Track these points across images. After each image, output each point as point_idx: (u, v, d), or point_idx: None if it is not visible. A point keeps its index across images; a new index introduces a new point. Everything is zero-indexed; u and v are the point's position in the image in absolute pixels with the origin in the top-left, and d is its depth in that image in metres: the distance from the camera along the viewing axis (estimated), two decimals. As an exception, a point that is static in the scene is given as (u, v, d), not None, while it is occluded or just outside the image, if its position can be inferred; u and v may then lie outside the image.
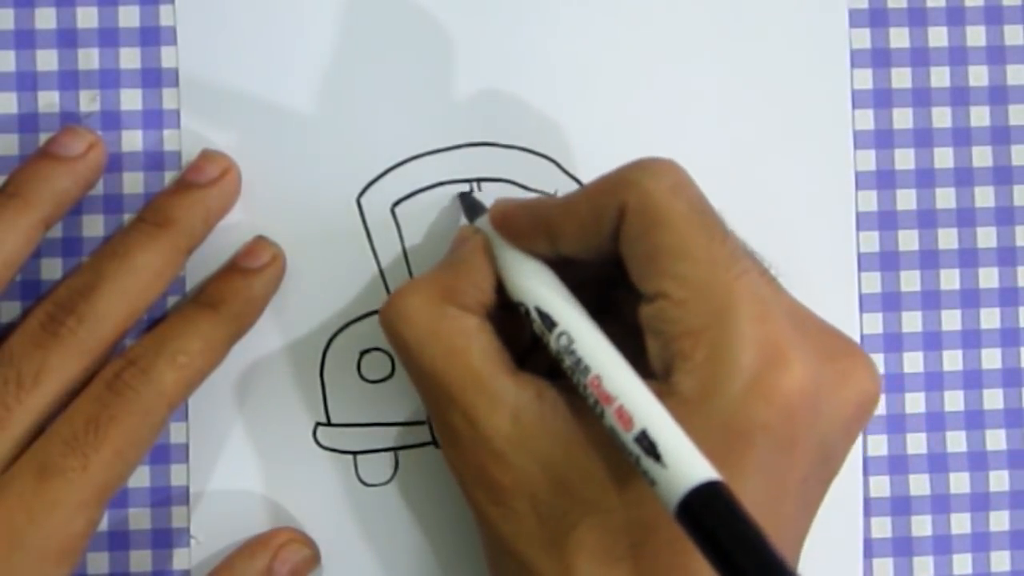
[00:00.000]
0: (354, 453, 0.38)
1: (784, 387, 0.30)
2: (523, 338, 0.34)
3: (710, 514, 0.27)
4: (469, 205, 0.37)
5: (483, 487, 0.32)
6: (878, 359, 0.39)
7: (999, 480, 0.39)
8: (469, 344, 0.32)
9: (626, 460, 0.30)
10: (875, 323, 0.39)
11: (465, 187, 0.38)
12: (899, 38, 0.39)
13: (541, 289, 0.33)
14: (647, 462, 0.29)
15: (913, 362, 0.39)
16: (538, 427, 0.31)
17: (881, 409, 0.39)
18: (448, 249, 0.36)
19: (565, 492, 0.31)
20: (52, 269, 0.37)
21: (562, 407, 0.32)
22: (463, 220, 0.38)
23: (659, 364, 0.31)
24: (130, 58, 0.38)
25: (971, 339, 0.39)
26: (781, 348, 0.30)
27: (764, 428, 0.29)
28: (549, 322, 0.32)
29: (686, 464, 0.28)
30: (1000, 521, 0.39)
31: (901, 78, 0.39)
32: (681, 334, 0.30)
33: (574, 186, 0.38)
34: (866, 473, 0.39)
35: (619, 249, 0.32)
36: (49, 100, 0.37)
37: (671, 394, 0.30)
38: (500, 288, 0.34)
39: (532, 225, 0.33)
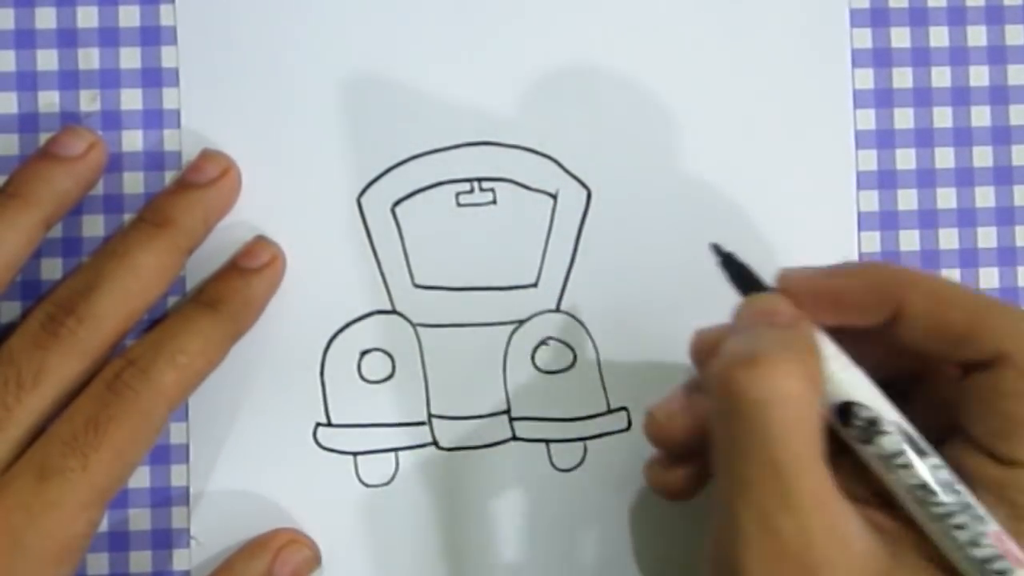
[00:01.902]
0: (354, 453, 0.38)
1: None
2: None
3: None
4: (736, 271, 0.32)
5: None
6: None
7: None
8: (821, 451, 0.28)
9: None
10: (876, 323, 0.39)
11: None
12: (900, 38, 0.39)
13: (880, 401, 0.29)
14: None
15: (914, 362, 0.39)
16: (870, 563, 0.28)
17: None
18: (747, 315, 0.31)
19: None
20: (52, 269, 0.37)
21: (886, 542, 0.28)
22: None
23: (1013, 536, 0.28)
24: (130, 58, 0.38)
25: (972, 339, 0.39)
26: None
27: None
28: (904, 454, 0.28)
29: None
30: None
31: (902, 78, 0.39)
32: None
33: (575, 185, 0.38)
34: (867, 473, 0.39)
35: (972, 389, 0.29)
36: (49, 100, 0.37)
37: None
38: None
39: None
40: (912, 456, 0.28)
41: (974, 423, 0.29)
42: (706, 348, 0.32)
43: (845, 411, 0.29)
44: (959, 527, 0.27)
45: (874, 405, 0.29)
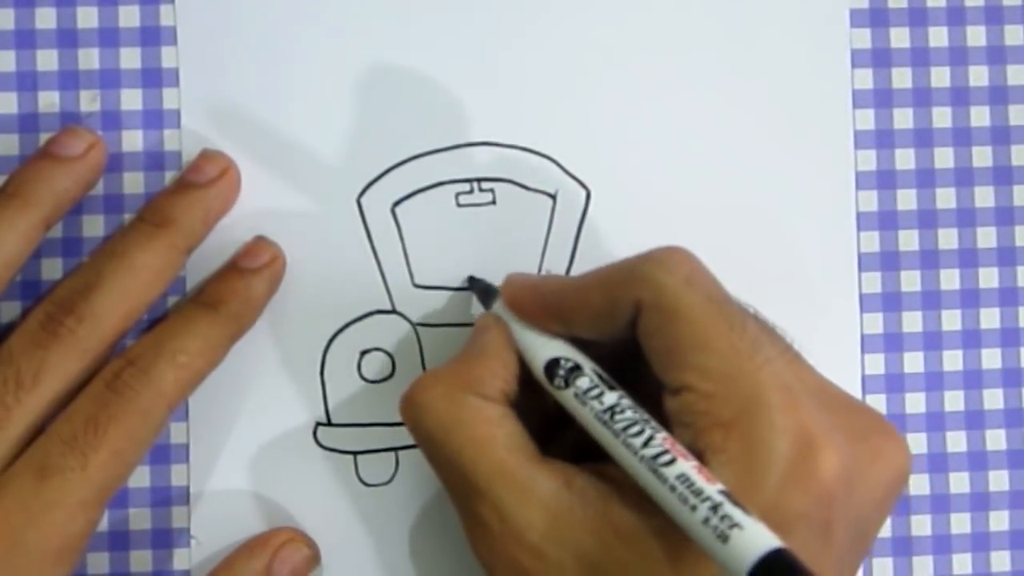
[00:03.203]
0: (354, 453, 0.38)
1: (820, 475, 0.30)
2: (542, 425, 0.34)
3: None
4: (482, 290, 0.37)
5: None
6: (878, 360, 0.39)
7: (999, 480, 0.39)
8: (494, 433, 0.32)
9: (660, 545, 0.30)
10: (875, 323, 0.39)
11: (474, 270, 0.38)
12: (900, 38, 0.39)
13: (581, 357, 0.33)
14: (721, 524, 0.28)
15: (913, 362, 0.39)
16: (569, 517, 0.31)
17: (881, 409, 0.39)
18: (468, 338, 0.35)
19: None
20: (52, 269, 0.37)
21: (592, 495, 0.31)
22: (475, 304, 0.38)
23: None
24: (130, 58, 0.38)
25: (971, 339, 0.39)
26: (813, 435, 0.30)
27: (802, 517, 0.29)
28: (598, 387, 0.32)
29: (760, 529, 0.28)
30: (1000, 521, 0.39)
31: (902, 78, 0.39)
32: (711, 426, 0.30)
33: (575, 185, 0.38)
34: (866, 473, 0.39)
35: (637, 340, 0.32)
36: (49, 100, 0.37)
37: None
38: (520, 377, 0.34)
39: (543, 308, 0.33)
40: (603, 387, 0.32)
41: (653, 370, 0.32)
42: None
43: (551, 367, 0.33)
44: (637, 434, 0.30)
45: (572, 356, 0.33)
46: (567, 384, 0.32)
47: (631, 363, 0.33)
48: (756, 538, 0.28)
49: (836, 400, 0.32)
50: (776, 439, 0.30)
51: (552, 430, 0.34)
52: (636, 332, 0.32)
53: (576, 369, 0.32)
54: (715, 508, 0.28)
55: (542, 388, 0.33)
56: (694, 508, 0.29)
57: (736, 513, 0.28)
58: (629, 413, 0.31)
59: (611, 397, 0.31)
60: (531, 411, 0.33)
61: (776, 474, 0.29)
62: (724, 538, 0.28)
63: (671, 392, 0.31)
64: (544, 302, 0.34)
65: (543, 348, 0.33)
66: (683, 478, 0.29)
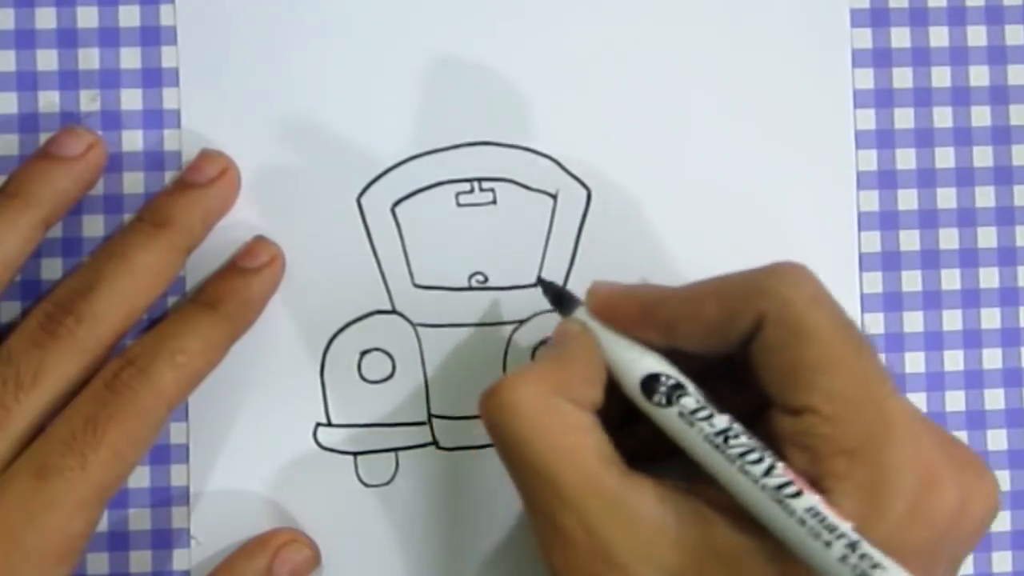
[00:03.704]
0: (354, 453, 0.38)
1: (941, 510, 0.30)
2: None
3: None
4: (555, 294, 0.35)
5: None
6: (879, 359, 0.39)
7: (1000, 480, 0.39)
8: (585, 442, 0.31)
9: (768, 568, 0.29)
10: (876, 323, 0.39)
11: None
12: (900, 38, 0.39)
13: (680, 374, 0.32)
14: (861, 563, 0.28)
15: (914, 362, 0.39)
16: (663, 537, 0.30)
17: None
18: (550, 343, 0.34)
19: None
20: (52, 269, 0.37)
21: (687, 514, 0.30)
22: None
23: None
24: (130, 58, 0.38)
25: (972, 339, 0.39)
26: (937, 469, 0.30)
27: (918, 552, 0.29)
28: (706, 408, 0.31)
29: (900, 573, 0.28)
30: (1000, 521, 0.39)
31: (902, 78, 0.39)
32: (834, 453, 0.29)
33: (575, 185, 0.38)
34: (867, 473, 0.39)
35: (752, 357, 0.31)
36: (49, 100, 0.38)
37: None
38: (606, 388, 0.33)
39: (643, 315, 0.32)
40: (712, 409, 0.31)
41: (767, 386, 0.31)
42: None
43: (649, 382, 0.31)
44: (756, 462, 0.29)
45: (673, 374, 0.32)
46: (669, 402, 0.31)
47: (711, 381, 0.32)
48: None
49: (941, 435, 0.32)
50: (904, 471, 0.29)
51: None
52: (753, 348, 0.31)
53: (679, 387, 0.31)
54: (853, 546, 0.28)
55: (607, 399, 0.32)
56: (828, 544, 0.28)
57: (876, 554, 0.28)
58: (744, 439, 0.30)
59: (722, 420, 0.30)
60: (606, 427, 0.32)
61: (901, 506, 0.29)
62: None
63: (789, 412, 0.30)
64: (646, 310, 0.32)
65: (639, 361, 0.32)
66: (813, 512, 0.28)
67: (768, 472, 0.29)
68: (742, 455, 0.30)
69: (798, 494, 0.29)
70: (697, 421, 0.30)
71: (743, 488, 0.30)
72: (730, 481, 0.30)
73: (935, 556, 0.30)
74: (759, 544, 0.30)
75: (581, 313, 0.34)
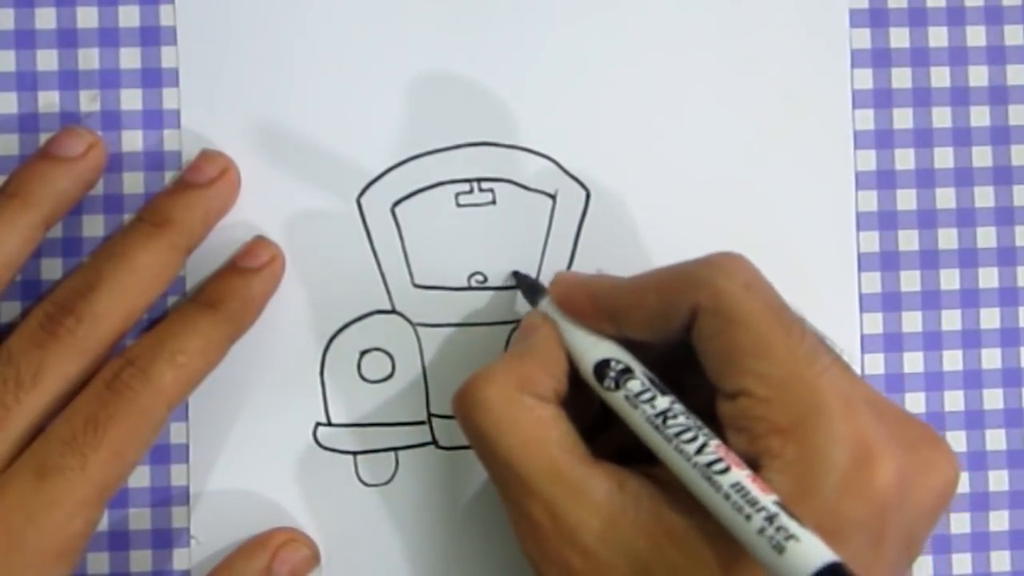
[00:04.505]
0: (354, 453, 0.38)
1: (877, 484, 0.30)
2: (585, 425, 0.34)
3: None
4: (528, 287, 0.37)
5: None
6: (878, 360, 0.39)
7: (999, 480, 0.39)
8: (548, 434, 0.32)
9: (711, 549, 0.30)
10: (875, 323, 0.39)
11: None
12: (899, 38, 0.39)
13: (631, 359, 0.33)
14: (777, 535, 0.28)
15: (913, 362, 0.39)
16: (622, 519, 0.31)
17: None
18: (517, 335, 0.36)
19: None
20: (52, 269, 0.37)
21: (644, 497, 0.31)
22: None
23: (743, 459, 0.31)
24: (130, 58, 0.38)
25: (971, 339, 0.39)
26: (871, 444, 0.30)
27: (857, 525, 0.30)
28: (649, 391, 0.32)
29: (816, 542, 0.28)
30: (1000, 521, 0.39)
31: (901, 78, 0.39)
32: (768, 432, 0.30)
33: (575, 185, 0.38)
34: (866, 473, 0.39)
35: (693, 344, 0.32)
36: (49, 100, 0.38)
37: None
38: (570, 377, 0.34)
39: (595, 307, 0.34)
40: (655, 391, 0.32)
41: (707, 372, 0.32)
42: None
43: (601, 368, 0.33)
44: (690, 440, 0.30)
45: (623, 359, 0.33)
46: (617, 386, 0.32)
47: (677, 368, 0.33)
48: (812, 550, 0.28)
49: (887, 410, 0.32)
50: (834, 446, 0.30)
51: (595, 430, 0.34)
52: (692, 336, 0.32)
53: (627, 372, 0.32)
54: (771, 519, 0.28)
55: (587, 388, 0.33)
56: (749, 517, 0.29)
57: (792, 525, 0.28)
58: (682, 419, 0.31)
59: (663, 402, 0.32)
60: (575, 410, 0.33)
61: (833, 481, 0.30)
62: (780, 549, 0.28)
63: (727, 397, 0.31)
64: (596, 301, 0.34)
65: (593, 348, 0.33)
66: (738, 487, 0.29)
67: (700, 450, 0.30)
68: (678, 434, 0.31)
69: (725, 470, 0.30)
70: (640, 403, 0.32)
71: (678, 466, 0.31)
72: (669, 460, 0.31)
73: (881, 531, 0.30)
74: (703, 523, 0.30)
75: (545, 304, 0.35)
